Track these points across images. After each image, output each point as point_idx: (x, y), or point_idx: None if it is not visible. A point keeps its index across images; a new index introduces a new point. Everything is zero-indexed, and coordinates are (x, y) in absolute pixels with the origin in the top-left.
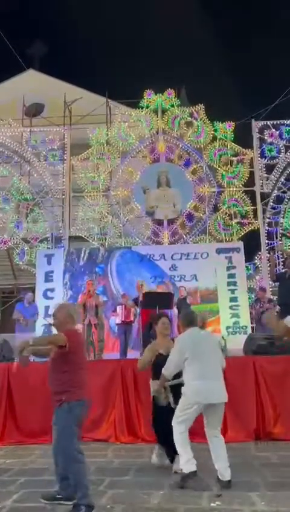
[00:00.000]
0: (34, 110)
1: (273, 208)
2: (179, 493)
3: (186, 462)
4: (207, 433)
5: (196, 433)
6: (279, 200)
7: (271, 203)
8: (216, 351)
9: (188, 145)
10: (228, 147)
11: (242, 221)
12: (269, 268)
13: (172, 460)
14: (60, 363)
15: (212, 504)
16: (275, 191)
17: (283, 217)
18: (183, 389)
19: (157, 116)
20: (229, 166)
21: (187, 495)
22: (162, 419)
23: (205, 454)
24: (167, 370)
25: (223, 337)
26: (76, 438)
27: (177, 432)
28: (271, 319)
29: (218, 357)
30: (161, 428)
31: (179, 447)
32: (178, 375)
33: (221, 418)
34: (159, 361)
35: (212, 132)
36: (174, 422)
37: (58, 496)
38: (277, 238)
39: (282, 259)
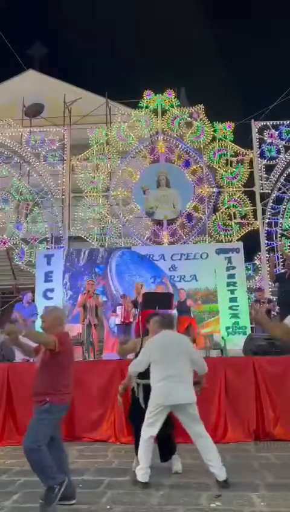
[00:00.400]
0: (34, 111)
1: (273, 208)
2: (179, 494)
3: (140, 469)
4: (190, 435)
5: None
6: (279, 200)
7: (271, 204)
8: (183, 354)
9: (188, 145)
10: (228, 147)
11: (242, 221)
12: (268, 269)
13: (164, 459)
14: (49, 364)
15: (212, 505)
16: (275, 192)
17: (283, 218)
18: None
19: (157, 117)
20: (228, 166)
21: (187, 495)
22: (139, 412)
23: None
24: (132, 367)
25: (222, 338)
26: (47, 437)
27: (143, 438)
28: (263, 318)
29: (184, 360)
30: (137, 421)
31: (140, 453)
32: None
33: (195, 418)
34: None
35: (212, 132)
36: (143, 426)
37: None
38: (276, 238)
39: (282, 260)
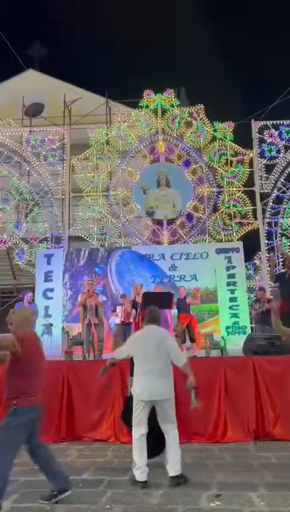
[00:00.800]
0: (34, 110)
1: (273, 208)
2: (179, 493)
3: (137, 469)
4: (161, 427)
5: (197, 433)
6: (278, 200)
7: (271, 203)
8: (162, 349)
9: (188, 145)
10: (228, 147)
11: (242, 221)
12: (268, 269)
13: (154, 454)
14: (13, 366)
15: (211, 504)
16: (275, 191)
17: (283, 217)
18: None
19: (157, 116)
20: (228, 166)
21: (187, 495)
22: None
23: (202, 455)
24: (117, 354)
25: (222, 337)
26: (14, 442)
27: (134, 437)
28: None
29: (164, 355)
30: (131, 421)
31: (134, 453)
32: None
33: (167, 414)
34: None
35: (212, 132)
36: (133, 426)
37: (53, 493)
38: (276, 238)
39: (282, 259)
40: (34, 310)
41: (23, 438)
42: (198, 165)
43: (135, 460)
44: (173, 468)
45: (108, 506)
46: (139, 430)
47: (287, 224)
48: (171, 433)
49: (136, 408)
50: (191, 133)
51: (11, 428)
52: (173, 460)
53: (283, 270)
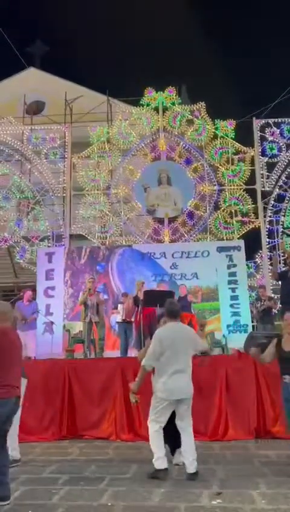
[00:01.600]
0: (35, 108)
1: (274, 206)
2: (180, 491)
3: (156, 460)
4: (178, 426)
5: (198, 431)
6: (280, 198)
7: (272, 202)
8: (188, 348)
9: (189, 143)
10: (229, 145)
11: (243, 219)
12: (270, 267)
13: (172, 451)
14: None
15: (213, 502)
16: (276, 189)
17: (284, 215)
18: (154, 387)
19: (158, 114)
20: (230, 164)
21: (188, 493)
22: None
23: (204, 453)
24: (147, 360)
25: (223, 336)
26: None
27: (151, 430)
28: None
29: (188, 353)
30: None
31: (152, 445)
32: None
33: (188, 412)
34: None
35: (213, 130)
36: (149, 422)
37: None
38: (277, 236)
39: (283, 258)
40: (9, 306)
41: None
42: (199, 163)
43: (154, 452)
44: (191, 465)
45: (109, 504)
46: (158, 424)
47: (288, 223)
48: (188, 431)
49: (160, 405)
50: (192, 131)
51: None
52: (191, 458)
53: (284, 269)
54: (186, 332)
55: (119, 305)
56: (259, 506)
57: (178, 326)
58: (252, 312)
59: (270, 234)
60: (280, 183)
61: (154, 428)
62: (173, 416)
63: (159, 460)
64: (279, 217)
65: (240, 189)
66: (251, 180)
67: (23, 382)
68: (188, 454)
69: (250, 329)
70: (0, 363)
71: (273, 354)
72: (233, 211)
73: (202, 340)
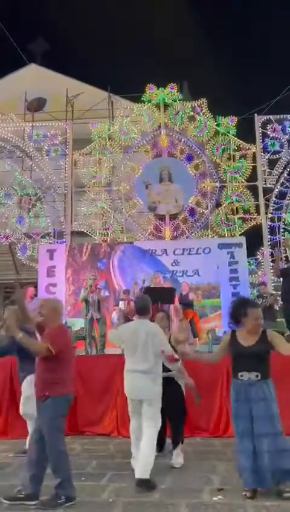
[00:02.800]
0: (36, 105)
1: (276, 203)
2: (181, 488)
3: (131, 459)
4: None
5: (199, 428)
6: (282, 195)
7: (274, 198)
8: (151, 346)
9: (191, 139)
10: (231, 141)
11: (244, 216)
12: (272, 264)
13: (160, 449)
14: (47, 361)
15: (214, 498)
16: (278, 186)
17: (286, 212)
18: None
19: (159, 111)
20: (231, 161)
21: (189, 489)
22: (168, 409)
23: (205, 450)
24: (111, 337)
25: (225, 332)
26: (61, 431)
27: (130, 430)
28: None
29: (152, 352)
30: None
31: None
32: (169, 368)
33: (147, 414)
34: None
35: (214, 127)
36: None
37: (20, 496)
38: (279, 233)
39: (285, 255)
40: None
41: (62, 423)
42: (201, 160)
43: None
44: (139, 471)
45: (110, 500)
46: (132, 423)
47: None
48: (146, 433)
49: (129, 403)
50: (193, 127)
51: (53, 419)
52: (140, 463)
53: (286, 266)
54: (151, 331)
55: (120, 302)
56: (260, 503)
57: (143, 325)
58: None
59: (272, 231)
60: (282, 180)
61: (131, 427)
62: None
63: (133, 461)
64: (281, 213)
65: (242, 186)
66: (253, 176)
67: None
68: (139, 460)
69: None
70: (65, 359)
71: (225, 350)
72: (234, 207)
73: (183, 334)
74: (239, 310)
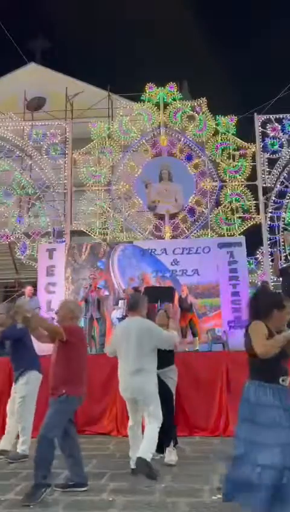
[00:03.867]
0: (36, 104)
1: (276, 202)
2: (180, 486)
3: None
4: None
5: (198, 427)
6: (281, 194)
7: (273, 198)
8: (144, 344)
9: (190, 139)
10: (231, 141)
11: (244, 215)
12: (271, 263)
13: (161, 450)
14: (62, 357)
15: (213, 497)
16: (278, 186)
17: (285, 212)
18: None
19: (159, 110)
20: (231, 160)
21: (189, 488)
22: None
23: (204, 448)
24: (107, 348)
25: (224, 332)
26: (61, 429)
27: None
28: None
29: (145, 350)
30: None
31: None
32: (163, 365)
33: (148, 409)
34: None
35: (214, 126)
36: None
37: (70, 483)
38: (279, 232)
39: (285, 254)
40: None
41: (65, 426)
42: (200, 159)
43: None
44: (135, 462)
45: (110, 499)
46: (129, 421)
47: (289, 219)
48: (146, 427)
49: (126, 401)
50: (193, 126)
51: (60, 414)
52: (137, 456)
53: (285, 265)
54: (142, 328)
55: (120, 301)
56: None
57: (135, 320)
58: None
59: (272, 230)
60: (281, 179)
61: (128, 425)
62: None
63: (131, 460)
64: (280, 213)
65: (241, 185)
66: (252, 176)
67: (39, 378)
68: (139, 450)
69: None
70: (80, 361)
71: None
72: (234, 207)
73: (171, 329)
74: (270, 300)
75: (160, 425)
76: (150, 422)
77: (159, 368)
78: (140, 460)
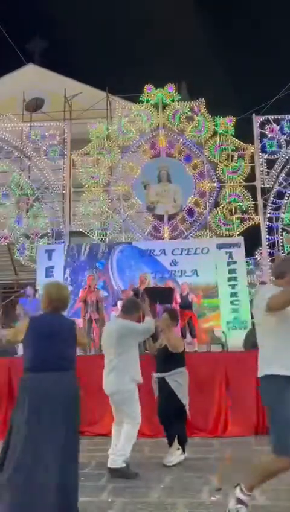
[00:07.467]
0: (34, 105)
1: (274, 203)
2: (179, 487)
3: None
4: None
5: (198, 428)
6: (280, 195)
7: (272, 198)
8: (114, 342)
9: (189, 140)
10: (229, 141)
11: (243, 216)
12: (270, 264)
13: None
14: None
15: (212, 498)
16: (276, 186)
17: (284, 212)
18: None
19: (157, 111)
20: (229, 161)
21: (187, 489)
22: (159, 408)
23: (203, 450)
24: None
25: (223, 332)
26: None
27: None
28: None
29: (117, 347)
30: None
31: None
32: (169, 368)
33: (120, 408)
34: (158, 353)
35: (213, 127)
36: None
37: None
38: (277, 233)
39: (284, 254)
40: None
41: None
42: (199, 160)
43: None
44: (113, 460)
45: (109, 500)
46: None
47: (288, 219)
48: (124, 427)
49: None
50: (192, 127)
51: None
52: (115, 454)
53: None
54: (114, 327)
55: (118, 302)
56: (259, 502)
57: (112, 322)
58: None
59: (270, 231)
60: (280, 179)
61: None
62: (166, 410)
63: (109, 458)
64: (279, 213)
65: (240, 185)
66: (251, 177)
67: None
68: (115, 450)
69: (249, 325)
70: None
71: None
72: (233, 207)
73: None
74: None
75: (137, 426)
76: (126, 422)
77: (165, 371)
78: (110, 471)
